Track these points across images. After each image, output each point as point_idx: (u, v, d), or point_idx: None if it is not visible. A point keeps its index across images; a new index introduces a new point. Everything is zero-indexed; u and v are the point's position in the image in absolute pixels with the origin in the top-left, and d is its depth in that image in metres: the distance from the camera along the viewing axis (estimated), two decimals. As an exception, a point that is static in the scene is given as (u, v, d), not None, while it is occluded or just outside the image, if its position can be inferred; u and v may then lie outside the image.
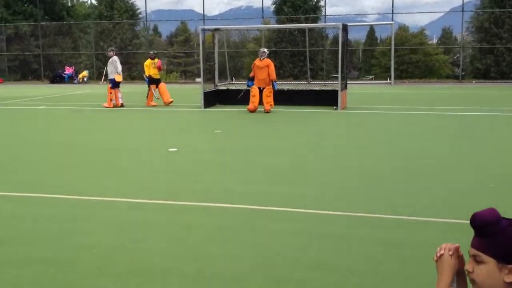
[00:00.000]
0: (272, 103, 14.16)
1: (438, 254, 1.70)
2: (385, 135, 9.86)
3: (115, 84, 15.75)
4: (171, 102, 15.96)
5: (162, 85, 16.24)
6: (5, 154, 8.36)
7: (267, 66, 14.16)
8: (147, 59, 16.94)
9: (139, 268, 3.63)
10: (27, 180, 6.35)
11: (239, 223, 4.61)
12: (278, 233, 4.31)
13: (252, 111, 13.87)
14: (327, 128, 11.22)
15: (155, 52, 17.70)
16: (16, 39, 36.70)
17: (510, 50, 26.60)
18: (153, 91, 16.27)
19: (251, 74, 14.53)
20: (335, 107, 14.47)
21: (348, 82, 16.46)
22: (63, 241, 4.17)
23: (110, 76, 16.08)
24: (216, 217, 4.78)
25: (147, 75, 16.43)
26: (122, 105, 15.72)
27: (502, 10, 26.61)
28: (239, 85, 17.74)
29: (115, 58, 16.19)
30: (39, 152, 8.46)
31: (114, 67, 15.99)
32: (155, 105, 15.85)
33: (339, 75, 14.73)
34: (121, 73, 16.16)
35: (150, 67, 16.27)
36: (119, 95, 15.83)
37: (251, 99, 14.01)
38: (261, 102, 14.08)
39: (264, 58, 14.30)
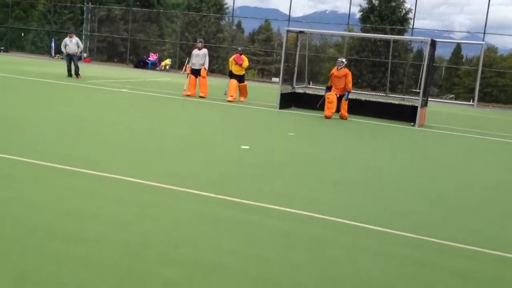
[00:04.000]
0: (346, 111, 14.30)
1: None
2: (468, 161, 9.47)
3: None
4: (235, 99, 16.17)
5: (238, 83, 16.46)
6: (85, 134, 8.71)
7: (345, 76, 14.16)
8: (228, 53, 17.32)
9: (203, 262, 3.64)
10: (108, 160, 6.57)
11: (301, 230, 4.55)
12: (343, 246, 4.21)
13: (329, 117, 13.83)
14: (404, 145, 10.92)
15: (242, 49, 18.04)
16: (107, 22, 38.30)
17: None
18: (226, 86, 16.72)
19: (329, 84, 14.53)
20: (412, 124, 14.07)
21: (428, 99, 15.95)
22: (134, 224, 4.27)
23: (197, 67, 16.48)
24: (281, 221, 4.74)
25: (229, 70, 16.83)
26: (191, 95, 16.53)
27: None
28: (316, 89, 17.63)
29: (206, 51, 16.72)
30: (119, 135, 8.76)
31: (204, 60, 16.50)
32: (230, 100, 16.03)
33: (421, 91, 14.30)
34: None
35: (232, 63, 16.55)
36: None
37: (328, 105, 13.93)
38: (337, 110, 14.07)
39: (341, 68, 14.21)
